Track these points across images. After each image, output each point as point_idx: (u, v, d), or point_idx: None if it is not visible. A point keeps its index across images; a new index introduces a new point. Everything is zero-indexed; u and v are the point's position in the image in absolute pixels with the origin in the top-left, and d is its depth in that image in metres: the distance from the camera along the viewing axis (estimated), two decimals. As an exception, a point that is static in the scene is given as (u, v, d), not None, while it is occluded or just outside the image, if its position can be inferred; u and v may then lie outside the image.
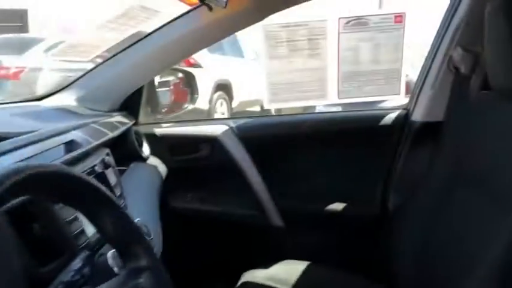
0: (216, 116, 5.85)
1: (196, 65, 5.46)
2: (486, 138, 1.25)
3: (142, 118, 1.68)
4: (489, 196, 1.19)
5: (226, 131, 1.68)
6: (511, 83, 1.15)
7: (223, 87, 6.11)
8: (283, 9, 1.42)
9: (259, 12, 1.38)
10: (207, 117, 5.56)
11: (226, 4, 1.14)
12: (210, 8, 1.20)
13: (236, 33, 6.92)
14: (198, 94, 2.15)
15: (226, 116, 6.04)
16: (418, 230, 1.36)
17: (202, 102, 5.51)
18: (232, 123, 1.71)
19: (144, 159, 1.54)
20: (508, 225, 1.04)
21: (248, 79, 5.96)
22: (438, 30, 1.56)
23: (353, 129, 1.71)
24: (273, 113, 2.06)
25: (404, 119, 1.67)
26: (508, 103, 1.21)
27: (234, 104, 6.31)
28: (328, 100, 1.70)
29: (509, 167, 1.13)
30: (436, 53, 1.56)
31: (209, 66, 5.70)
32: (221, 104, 6.10)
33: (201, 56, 5.53)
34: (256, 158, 1.67)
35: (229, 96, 6.25)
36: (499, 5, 1.16)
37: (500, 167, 1.17)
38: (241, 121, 1.73)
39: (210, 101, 5.79)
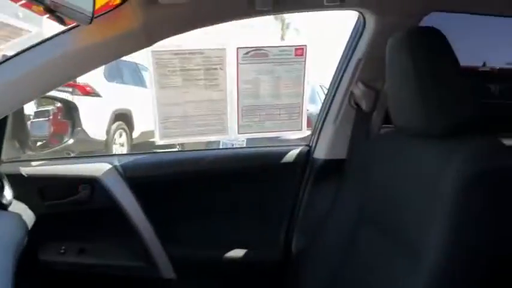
0: (114, 147, 5.48)
1: (93, 94, 5.10)
2: (388, 176, 1.22)
3: (5, 155, 1.40)
4: (392, 237, 1.15)
5: (109, 170, 1.45)
6: (412, 120, 1.11)
7: (123, 117, 5.78)
8: (174, 35, 1.27)
9: (147, 37, 1.22)
10: (105, 148, 5.18)
11: (91, 20, 0.95)
12: (63, 22, 1.00)
13: (138, 63, 6.65)
14: (80, 126, 1.90)
15: (125, 147, 5.69)
16: (323, 271, 1.29)
17: (99, 133, 5.14)
18: (117, 161, 1.49)
19: (3, 206, 1.26)
20: (409, 270, 0.99)
21: (150, 109, 5.70)
22: (338, 65, 1.52)
23: (254, 167, 1.59)
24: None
25: (306, 156, 1.59)
26: (409, 140, 1.17)
27: (135, 134, 5.99)
28: (227, 135, 1.56)
29: (408, 208, 1.10)
30: (337, 89, 1.51)
31: (107, 95, 5.36)
32: (120, 135, 5.74)
33: (99, 84, 5.19)
34: (144, 200, 1.46)
35: (130, 127, 5.92)
36: (399, 41, 1.12)
37: (401, 207, 1.13)
38: (128, 158, 1.52)
39: (108, 132, 5.42)
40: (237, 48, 1.44)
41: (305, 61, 1.47)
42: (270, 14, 1.31)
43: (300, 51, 1.46)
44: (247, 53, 1.45)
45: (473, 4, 1.36)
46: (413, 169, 1.13)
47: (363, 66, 1.43)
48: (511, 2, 1.36)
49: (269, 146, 1.69)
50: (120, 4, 1.14)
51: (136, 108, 5.89)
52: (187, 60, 1.44)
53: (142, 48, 1.26)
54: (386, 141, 1.30)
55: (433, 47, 1.07)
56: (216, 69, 1.47)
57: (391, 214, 1.19)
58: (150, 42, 1.25)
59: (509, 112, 5.03)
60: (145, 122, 5.97)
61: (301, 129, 1.58)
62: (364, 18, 1.37)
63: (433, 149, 1.08)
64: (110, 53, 1.20)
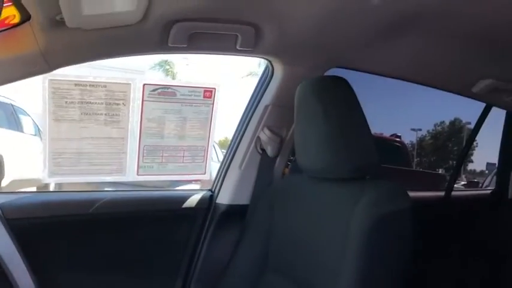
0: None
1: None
2: (292, 221, 1.22)
3: None
4: (298, 283, 1.13)
5: None
6: (319, 163, 1.14)
7: (-8, 164, 5.17)
8: (78, 63, 1.19)
9: (48, 62, 1.11)
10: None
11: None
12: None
13: (14, 105, 6.10)
14: None
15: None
16: None
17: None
18: (-5, 200, 1.29)
19: None
20: None
21: (26, 156, 5.20)
22: (245, 110, 1.53)
23: (151, 213, 1.49)
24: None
25: (209, 201, 1.54)
26: (314, 184, 1.20)
27: (5, 182, 5.37)
28: (125, 176, 1.45)
29: (311, 256, 1.10)
30: (243, 134, 1.51)
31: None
32: (-13, 183, 5.11)
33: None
34: (24, 245, 1.27)
35: (-1, 174, 5.31)
36: (309, 87, 1.17)
37: (306, 252, 1.13)
38: (8, 197, 1.33)
39: (-28, 179, 4.80)
40: (144, 85, 1.38)
41: (213, 104, 1.46)
42: (183, 53, 1.29)
43: (208, 93, 1.45)
44: (154, 90, 1.39)
45: (375, 65, 1.49)
46: (318, 213, 1.15)
47: (269, 112, 1.46)
48: (410, 66, 1.52)
49: (169, 190, 1.61)
50: (19, 23, 1.03)
51: (8, 154, 5.33)
52: (88, 93, 1.34)
53: (41, 73, 1.15)
54: (291, 186, 1.32)
55: (340, 94, 1.14)
56: (118, 104, 1.39)
57: (296, 260, 1.18)
58: (50, 68, 1.15)
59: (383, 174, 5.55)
60: (18, 170, 5.42)
61: (204, 173, 1.54)
62: (272, 67, 1.42)
63: (338, 193, 1.12)
64: (2, 75, 1.07)
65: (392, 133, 7.01)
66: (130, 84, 1.38)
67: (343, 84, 1.15)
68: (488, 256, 1.79)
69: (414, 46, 1.38)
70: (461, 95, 1.69)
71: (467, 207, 1.96)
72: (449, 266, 1.82)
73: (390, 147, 6.33)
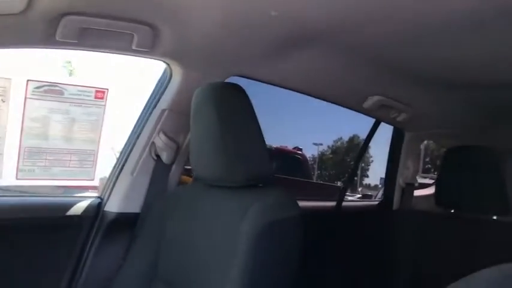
0: None
1: None
2: (184, 231, 1.19)
3: None
4: None
5: None
6: (214, 171, 1.13)
7: None
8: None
9: None
10: None
11: None
12: None
13: None
14: None
15: None
16: None
17: None
18: None
19: None
20: None
21: None
22: (141, 114, 1.47)
23: (33, 220, 1.36)
24: None
25: (96, 209, 1.44)
26: (209, 192, 1.18)
27: None
28: (1, 180, 1.31)
29: (201, 265, 1.08)
30: (137, 138, 1.45)
31: None
32: None
33: None
34: None
35: None
36: (205, 93, 1.15)
37: (194, 265, 1.11)
38: None
39: None
40: (27, 81, 1.27)
41: (105, 105, 1.38)
42: (73, 49, 1.21)
43: (100, 94, 1.36)
44: (39, 87, 1.28)
45: (273, 76, 1.51)
46: (210, 221, 1.13)
47: (166, 117, 1.42)
48: (306, 79, 1.56)
49: (53, 196, 1.48)
50: None
51: None
52: (-40, 86, 1.20)
53: None
54: (185, 194, 1.28)
55: (236, 101, 1.13)
56: (-4, 100, 1.26)
57: (186, 270, 1.15)
58: None
59: (284, 185, 5.71)
60: None
61: (93, 179, 1.44)
62: (171, 70, 1.38)
63: (231, 201, 1.11)
64: None
65: (295, 146, 7.29)
66: (11, 79, 1.26)
67: (239, 93, 1.14)
68: (373, 264, 1.89)
69: (309, 60, 1.43)
70: (354, 110, 1.78)
71: (355, 218, 2.07)
72: (335, 274, 1.90)
73: (292, 159, 6.56)
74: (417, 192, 2.27)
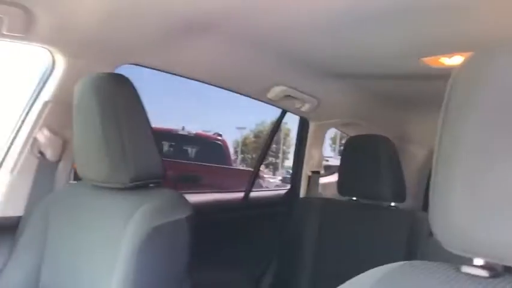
0: None
1: None
2: (68, 235, 1.10)
3: None
4: None
5: None
6: (98, 171, 1.04)
7: None
8: None
9: None
10: None
11: None
12: None
13: None
14: None
15: None
16: None
17: None
18: None
19: None
20: None
21: None
22: (23, 106, 1.32)
23: None
24: None
25: None
26: (95, 193, 1.09)
27: None
28: None
29: (84, 270, 1.00)
30: (17, 134, 1.30)
31: None
32: None
33: None
34: None
35: None
36: (87, 85, 1.06)
37: (77, 270, 1.03)
38: None
39: None
40: None
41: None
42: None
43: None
44: None
45: (170, 65, 1.43)
46: (95, 224, 1.05)
47: (50, 110, 1.29)
48: (206, 69, 1.49)
49: None
50: None
51: None
52: None
53: None
54: (71, 194, 1.19)
55: (120, 94, 1.05)
56: None
57: (69, 276, 1.07)
58: None
59: (202, 171, 5.65)
60: None
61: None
62: (53, 57, 1.25)
63: (118, 203, 1.03)
64: None
65: (215, 132, 7.23)
66: None
67: (124, 84, 1.06)
68: (279, 254, 1.90)
69: (209, 49, 1.37)
70: (258, 100, 1.75)
71: (264, 208, 2.06)
72: (244, 265, 1.89)
73: (211, 145, 6.50)
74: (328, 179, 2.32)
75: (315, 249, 1.72)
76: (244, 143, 23.69)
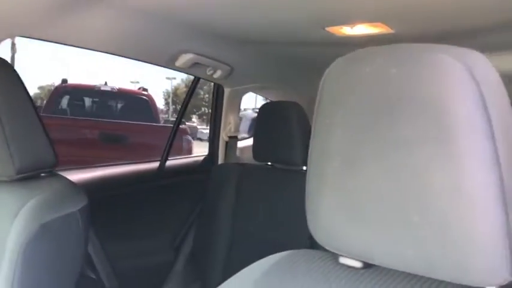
0: None
1: None
2: None
3: None
4: None
5: None
6: None
7: None
8: None
9: None
10: None
11: None
12: None
13: None
14: None
15: None
16: None
17: None
18: None
19: None
20: None
21: None
22: None
23: None
24: None
25: None
26: None
27: None
28: None
29: None
30: None
31: None
32: None
33: None
34: None
35: None
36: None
37: None
38: None
39: None
40: None
41: None
42: None
43: None
44: None
45: (65, 36, 1.32)
46: None
47: None
48: (107, 39, 1.40)
49: None
50: None
51: None
52: None
53: None
54: None
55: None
56: None
57: None
58: None
59: (127, 130, 5.47)
60: None
61: None
62: None
63: (3, 199, 0.96)
64: None
65: (140, 86, 6.95)
66: None
67: (3, 67, 0.96)
68: (199, 220, 1.91)
69: (105, 18, 1.27)
70: (167, 67, 1.68)
71: (181, 175, 2.04)
72: (163, 234, 1.89)
73: (137, 101, 6.25)
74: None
75: (232, 214, 1.74)
76: (176, 94, 23.19)
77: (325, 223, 0.57)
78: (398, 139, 0.50)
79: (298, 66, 1.90)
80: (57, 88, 6.00)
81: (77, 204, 0.96)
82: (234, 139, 2.08)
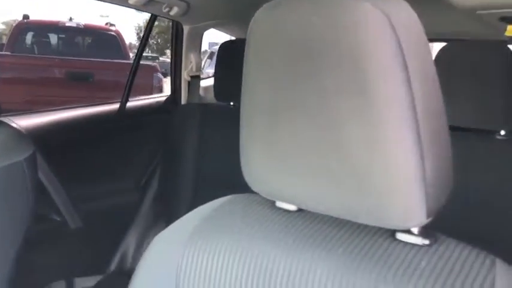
0: None
1: None
2: None
3: None
4: None
5: None
6: None
7: None
8: None
9: None
10: None
11: None
12: None
13: None
14: None
15: None
16: None
17: None
18: None
19: None
20: None
21: None
22: None
23: None
24: None
25: None
26: None
27: None
28: None
29: None
30: None
31: None
32: None
33: None
34: None
35: None
36: None
37: None
38: None
39: None
40: None
41: None
42: None
43: None
44: None
45: None
46: None
47: None
48: None
49: None
50: None
51: None
52: None
53: None
54: None
55: None
56: None
57: None
58: None
59: (94, 68, 5.31)
60: None
61: None
62: None
63: None
64: None
65: (107, 22, 6.66)
66: None
67: None
68: (164, 161, 1.91)
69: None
70: (122, 5, 1.60)
71: (143, 117, 2.02)
72: (128, 175, 1.90)
73: (104, 37, 6.01)
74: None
75: (196, 155, 1.75)
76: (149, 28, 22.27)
77: (258, 172, 0.58)
78: (319, 89, 0.50)
79: (257, 2, 1.83)
80: (18, 25, 5.72)
81: (21, 153, 0.94)
82: (196, 79, 2.03)
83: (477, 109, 1.16)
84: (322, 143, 0.51)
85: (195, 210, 0.69)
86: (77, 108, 1.82)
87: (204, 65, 4.22)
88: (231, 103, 1.75)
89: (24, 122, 1.53)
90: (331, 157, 0.51)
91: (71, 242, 1.65)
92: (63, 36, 5.94)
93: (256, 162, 0.58)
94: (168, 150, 1.87)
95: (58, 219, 1.61)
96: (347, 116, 0.49)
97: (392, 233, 0.54)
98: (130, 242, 1.87)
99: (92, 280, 1.68)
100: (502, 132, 1.17)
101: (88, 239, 1.64)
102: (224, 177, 1.69)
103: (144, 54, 2.04)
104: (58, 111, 1.76)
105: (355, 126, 0.48)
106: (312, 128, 0.51)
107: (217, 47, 1.79)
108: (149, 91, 4.90)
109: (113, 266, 1.83)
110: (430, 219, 0.49)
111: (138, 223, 1.89)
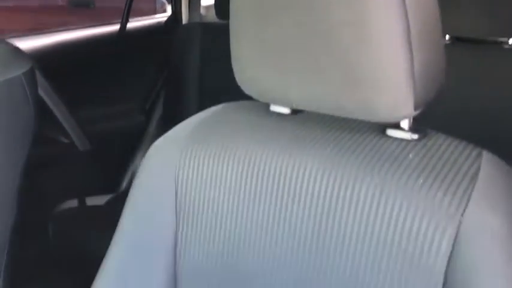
0: None
1: None
2: None
3: None
4: None
5: None
6: None
7: None
8: None
9: None
10: None
11: None
12: None
13: None
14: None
15: None
16: None
17: None
18: None
19: None
20: None
21: None
22: None
23: None
24: None
25: None
26: None
27: None
28: None
29: None
30: None
31: None
32: None
33: None
34: None
35: None
36: None
37: None
38: None
39: None
40: None
41: None
42: None
43: None
44: None
45: None
46: None
47: None
48: None
49: None
50: None
51: None
52: None
53: None
54: None
55: None
56: None
57: None
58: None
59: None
60: None
61: None
62: None
63: None
64: None
65: None
66: None
67: None
68: (167, 82, 1.91)
69: None
70: None
71: (144, 38, 1.99)
72: (132, 97, 1.90)
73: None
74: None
75: (199, 75, 1.74)
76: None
77: (250, 74, 0.58)
78: None
79: None
80: None
81: (19, 68, 0.93)
82: (197, -4, 1.97)
83: (485, 20, 1.13)
84: (311, 38, 0.50)
85: (189, 118, 0.69)
86: (77, 30, 1.79)
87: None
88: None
89: (23, 43, 1.51)
90: (320, 51, 0.50)
91: (80, 164, 1.69)
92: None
93: (246, 63, 0.57)
94: (171, 70, 1.86)
95: (66, 141, 1.64)
96: (336, 8, 0.47)
97: (383, 129, 0.54)
98: (138, 162, 1.91)
99: (103, 198, 1.74)
100: (511, 42, 1.15)
101: (97, 161, 1.68)
102: (227, 93, 1.69)
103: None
104: (58, 33, 1.73)
105: (344, 18, 0.47)
106: (301, 24, 0.50)
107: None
108: (152, 15, 4.78)
109: (122, 186, 1.89)
110: (418, 112, 0.49)
111: (146, 144, 1.92)
